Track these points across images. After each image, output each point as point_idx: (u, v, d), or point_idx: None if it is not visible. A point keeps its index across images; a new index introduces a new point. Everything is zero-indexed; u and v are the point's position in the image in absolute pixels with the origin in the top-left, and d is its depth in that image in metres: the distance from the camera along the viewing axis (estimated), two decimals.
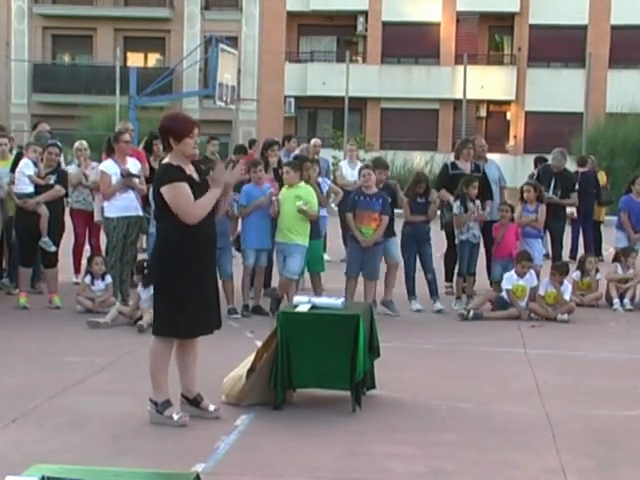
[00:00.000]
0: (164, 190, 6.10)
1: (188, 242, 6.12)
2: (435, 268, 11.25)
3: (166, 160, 6.28)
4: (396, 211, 10.94)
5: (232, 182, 6.71)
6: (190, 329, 6.27)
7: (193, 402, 6.44)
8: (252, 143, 16.35)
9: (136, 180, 10.53)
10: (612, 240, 13.09)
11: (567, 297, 10.91)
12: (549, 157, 13.85)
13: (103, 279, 10.45)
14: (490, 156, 13.21)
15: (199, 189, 6.19)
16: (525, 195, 11.69)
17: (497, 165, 12.65)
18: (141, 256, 11.44)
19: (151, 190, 10.08)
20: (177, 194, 6.07)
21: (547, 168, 13.42)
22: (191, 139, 6.15)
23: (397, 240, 11.03)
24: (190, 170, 6.24)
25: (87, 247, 12.36)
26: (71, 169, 12.08)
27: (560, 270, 11.05)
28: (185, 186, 6.10)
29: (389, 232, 10.77)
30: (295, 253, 10.13)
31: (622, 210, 12.50)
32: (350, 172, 14.98)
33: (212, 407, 6.46)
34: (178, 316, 6.15)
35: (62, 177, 10.87)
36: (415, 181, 11.27)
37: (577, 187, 13.28)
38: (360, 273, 10.52)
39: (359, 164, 14.36)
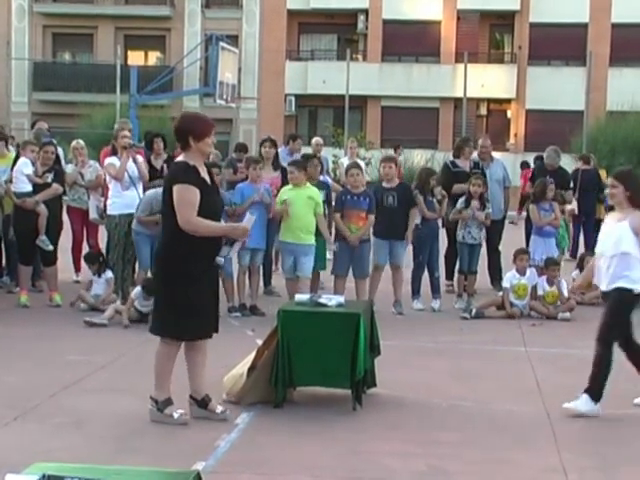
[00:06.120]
0: (176, 188, 6.10)
1: (193, 242, 6.09)
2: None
3: (181, 158, 6.30)
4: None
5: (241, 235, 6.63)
6: (195, 331, 6.28)
7: (201, 403, 6.42)
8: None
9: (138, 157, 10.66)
10: None
11: (565, 292, 10.93)
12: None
13: (100, 276, 10.45)
14: None
15: (210, 191, 6.23)
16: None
17: (503, 165, 12.54)
18: None
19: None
20: (185, 196, 6.07)
21: (542, 167, 13.37)
22: (209, 138, 6.23)
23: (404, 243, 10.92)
24: (204, 172, 6.28)
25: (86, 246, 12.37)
26: (68, 168, 12.06)
27: (553, 263, 11.03)
28: (196, 192, 6.10)
29: (400, 235, 10.66)
30: (309, 253, 10.06)
31: None
32: None
33: (220, 409, 6.45)
34: (182, 318, 6.15)
35: (59, 175, 10.87)
36: (428, 174, 11.22)
37: (572, 185, 13.30)
38: (350, 272, 10.43)
39: (360, 162, 14.31)
